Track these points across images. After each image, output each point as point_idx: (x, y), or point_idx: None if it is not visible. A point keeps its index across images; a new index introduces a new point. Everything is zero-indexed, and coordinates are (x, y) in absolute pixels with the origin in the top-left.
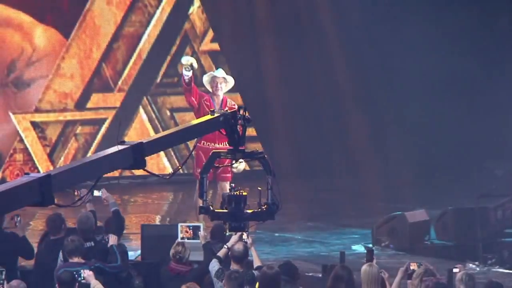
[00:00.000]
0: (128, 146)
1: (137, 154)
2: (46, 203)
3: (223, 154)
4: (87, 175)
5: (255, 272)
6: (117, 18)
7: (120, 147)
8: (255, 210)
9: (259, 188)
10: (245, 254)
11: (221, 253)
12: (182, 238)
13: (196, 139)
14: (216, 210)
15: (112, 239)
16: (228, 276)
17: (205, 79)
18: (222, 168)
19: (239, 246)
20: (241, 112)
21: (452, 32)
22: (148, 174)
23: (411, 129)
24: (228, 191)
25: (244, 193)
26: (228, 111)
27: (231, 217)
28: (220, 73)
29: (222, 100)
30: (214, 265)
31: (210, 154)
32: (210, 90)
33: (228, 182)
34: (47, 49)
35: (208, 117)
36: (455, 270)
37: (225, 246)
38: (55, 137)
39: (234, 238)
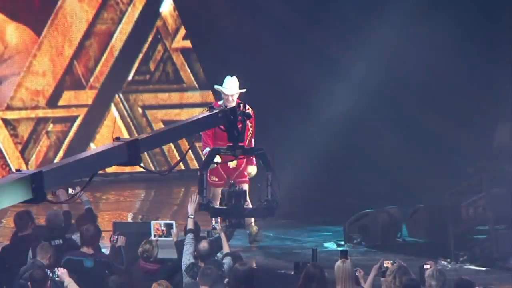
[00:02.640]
0: (123, 142)
1: (132, 151)
2: (38, 200)
3: (223, 151)
4: (80, 172)
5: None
6: (89, 16)
7: (115, 143)
8: (255, 207)
9: (258, 185)
10: (211, 252)
11: (189, 224)
12: (155, 235)
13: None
14: (216, 207)
15: (121, 240)
16: (201, 272)
17: (217, 88)
18: (237, 173)
19: (204, 245)
20: (241, 108)
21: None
22: (144, 171)
23: (383, 126)
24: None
25: (244, 189)
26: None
27: (231, 213)
28: (228, 90)
29: None
30: (188, 258)
31: (210, 150)
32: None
33: (247, 184)
34: (19, 47)
35: (207, 113)
36: (426, 266)
37: (190, 216)
38: (26, 135)
39: (191, 205)
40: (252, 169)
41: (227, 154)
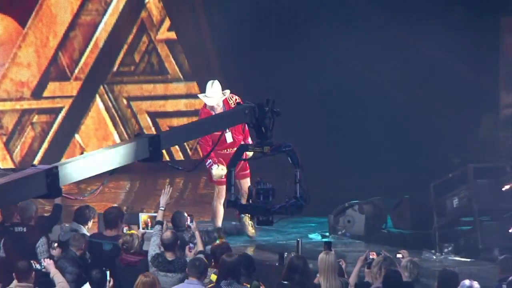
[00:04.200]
0: (145, 138)
1: (154, 147)
2: (53, 195)
3: (251, 147)
4: (98, 168)
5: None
6: (74, 7)
7: (136, 139)
8: (283, 204)
9: (286, 182)
10: (175, 241)
11: (159, 216)
12: (144, 228)
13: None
14: (243, 204)
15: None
16: (190, 263)
17: (201, 97)
18: (240, 167)
19: (167, 234)
20: (268, 104)
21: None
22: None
23: (368, 118)
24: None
25: (272, 186)
26: (240, 103)
27: (259, 211)
28: (210, 101)
29: (224, 106)
30: (154, 249)
31: (238, 146)
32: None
33: (248, 179)
34: (4, 38)
35: (232, 109)
36: (398, 255)
37: (160, 208)
38: (11, 126)
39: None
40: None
41: (255, 151)
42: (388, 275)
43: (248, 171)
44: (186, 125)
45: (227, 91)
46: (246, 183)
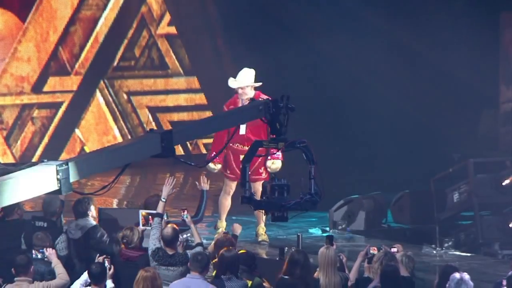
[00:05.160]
0: (157, 134)
1: (166, 142)
2: (64, 191)
3: (265, 143)
4: (110, 164)
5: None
6: (74, 1)
7: (148, 135)
8: (298, 200)
9: (301, 178)
10: (175, 237)
11: (159, 207)
12: (144, 225)
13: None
14: (258, 200)
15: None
16: (192, 258)
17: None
18: (252, 170)
19: (167, 230)
20: (283, 100)
21: None
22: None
23: (368, 112)
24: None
25: (287, 182)
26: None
27: (274, 207)
28: (233, 83)
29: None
30: (154, 243)
31: (252, 142)
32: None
33: (261, 183)
34: (4, 33)
35: (247, 105)
36: (393, 250)
37: (162, 199)
38: (11, 121)
39: (166, 188)
40: (273, 163)
41: (270, 147)
42: (386, 270)
43: (261, 176)
44: (200, 120)
45: (259, 83)
46: (258, 187)
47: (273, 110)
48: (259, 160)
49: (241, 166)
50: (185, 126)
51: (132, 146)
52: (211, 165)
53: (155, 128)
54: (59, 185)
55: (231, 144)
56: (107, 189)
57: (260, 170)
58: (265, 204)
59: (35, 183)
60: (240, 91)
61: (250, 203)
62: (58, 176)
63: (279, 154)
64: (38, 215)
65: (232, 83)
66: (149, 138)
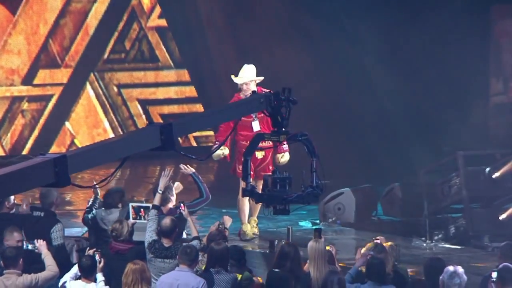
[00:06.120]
0: (156, 126)
1: (166, 136)
2: (61, 184)
3: (267, 136)
4: (108, 157)
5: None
6: None
7: (148, 127)
8: (300, 193)
9: (303, 171)
10: (173, 229)
11: (156, 199)
12: (134, 218)
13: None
14: (260, 193)
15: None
16: (181, 251)
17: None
18: (261, 166)
19: (166, 221)
20: (285, 93)
21: None
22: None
23: (359, 105)
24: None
25: (289, 175)
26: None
27: (276, 199)
28: (237, 79)
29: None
30: (151, 235)
31: (254, 135)
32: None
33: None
34: None
35: (248, 98)
36: (376, 242)
37: (158, 191)
38: (1, 114)
39: (163, 179)
40: (282, 157)
41: (272, 140)
42: (372, 262)
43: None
44: (200, 113)
45: (261, 78)
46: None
47: (274, 103)
48: (269, 157)
49: (242, 160)
50: (185, 119)
51: (131, 139)
52: (218, 151)
53: (145, 121)
54: (56, 178)
55: (242, 142)
56: (106, 182)
57: (270, 167)
58: (267, 197)
59: (33, 176)
60: (244, 87)
61: (252, 196)
62: (56, 169)
63: (287, 146)
64: (37, 206)
65: (236, 79)
66: (149, 131)
